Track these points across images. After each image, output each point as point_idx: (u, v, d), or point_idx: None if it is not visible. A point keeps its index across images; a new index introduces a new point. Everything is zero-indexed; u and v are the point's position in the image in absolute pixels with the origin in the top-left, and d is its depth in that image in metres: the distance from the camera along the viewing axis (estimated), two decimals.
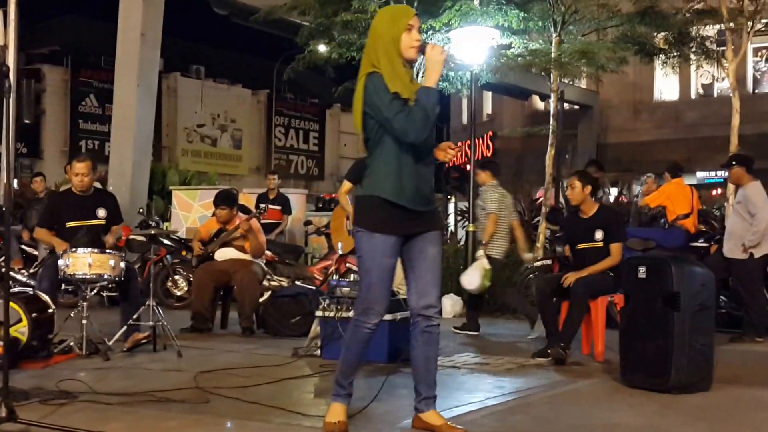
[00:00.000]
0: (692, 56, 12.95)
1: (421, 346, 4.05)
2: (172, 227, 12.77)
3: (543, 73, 12.25)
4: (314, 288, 8.37)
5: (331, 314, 6.34)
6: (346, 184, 7.46)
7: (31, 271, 9.13)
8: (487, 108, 31.44)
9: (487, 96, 29.87)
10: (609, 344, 6.40)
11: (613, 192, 19.03)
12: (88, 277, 6.41)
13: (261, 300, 8.25)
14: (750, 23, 11.85)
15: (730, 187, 10.49)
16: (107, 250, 6.56)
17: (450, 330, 8.43)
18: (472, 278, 8.15)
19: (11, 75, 4.54)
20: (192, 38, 36.24)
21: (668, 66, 13.32)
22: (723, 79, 21.05)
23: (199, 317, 7.96)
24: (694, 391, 5.25)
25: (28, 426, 3.99)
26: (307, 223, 13.10)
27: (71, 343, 6.28)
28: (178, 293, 10.47)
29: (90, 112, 31.68)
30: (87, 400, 4.73)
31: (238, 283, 7.92)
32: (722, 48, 12.77)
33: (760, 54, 24.54)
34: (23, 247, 10.97)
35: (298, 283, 9.07)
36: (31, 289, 6.76)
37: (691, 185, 10.61)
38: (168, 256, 10.50)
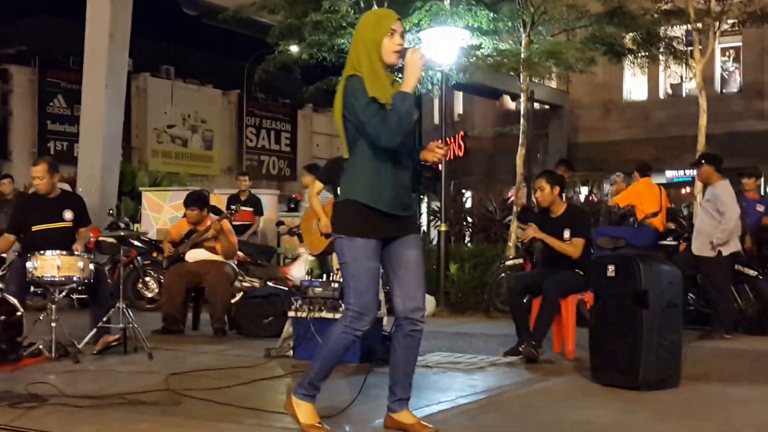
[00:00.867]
0: (660, 56, 13.07)
1: (403, 348, 4.06)
2: (142, 229, 12.67)
3: (513, 73, 12.31)
4: (286, 289, 8.35)
5: (304, 315, 6.34)
6: (318, 185, 7.46)
7: None
8: (458, 108, 31.55)
9: (458, 96, 29.98)
10: (579, 342, 6.43)
11: (584, 191, 19.16)
12: (56, 279, 6.35)
13: (233, 301, 8.21)
14: (717, 24, 11.98)
15: (699, 185, 10.61)
16: (76, 252, 6.50)
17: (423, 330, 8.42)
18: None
19: None
20: (161, 38, 35.92)
21: (636, 66, 13.45)
22: (691, 79, 21.29)
23: (170, 319, 7.92)
24: (663, 387, 5.29)
25: None
26: (279, 223, 13.07)
27: (40, 346, 6.22)
28: (149, 295, 10.41)
29: (58, 113, 31.37)
30: (57, 403, 4.69)
31: (210, 284, 7.88)
32: (690, 48, 12.91)
33: (727, 54, 24.85)
34: None
35: (270, 283, 9.04)
36: None
37: (659, 184, 10.71)
38: (138, 258, 10.43)
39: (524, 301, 6.91)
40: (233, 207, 8.91)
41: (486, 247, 11.95)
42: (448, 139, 15.24)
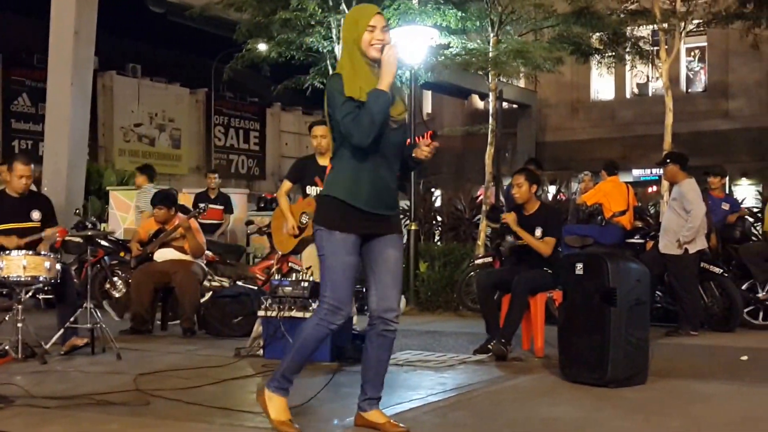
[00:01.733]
0: (627, 56, 13.19)
1: (375, 348, 4.06)
2: (109, 228, 12.54)
3: (481, 73, 12.35)
4: (256, 288, 8.32)
5: (273, 314, 6.31)
6: (286, 184, 7.42)
7: None
8: (427, 107, 31.63)
9: (427, 95, 30.06)
10: (549, 340, 6.47)
11: (552, 190, 19.28)
12: (22, 279, 6.26)
13: (202, 300, 8.17)
14: (682, 24, 12.11)
15: (665, 184, 10.72)
16: (42, 252, 6.42)
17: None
18: None
19: None
20: (128, 36, 35.47)
21: (603, 66, 13.56)
22: (657, 78, 21.53)
23: (139, 319, 7.86)
24: (630, 384, 5.34)
25: None
26: (249, 222, 12.99)
27: (6, 347, 6.15)
28: (117, 295, 10.29)
29: (23, 112, 30.86)
30: (24, 404, 4.65)
31: (178, 283, 7.83)
32: (655, 48, 13.04)
33: (692, 54, 25.16)
34: None
35: (239, 283, 9.00)
36: None
37: (626, 183, 10.82)
38: (106, 258, 10.31)
39: (494, 298, 6.95)
40: (201, 206, 8.85)
41: (455, 245, 11.98)
42: (416, 138, 15.27)
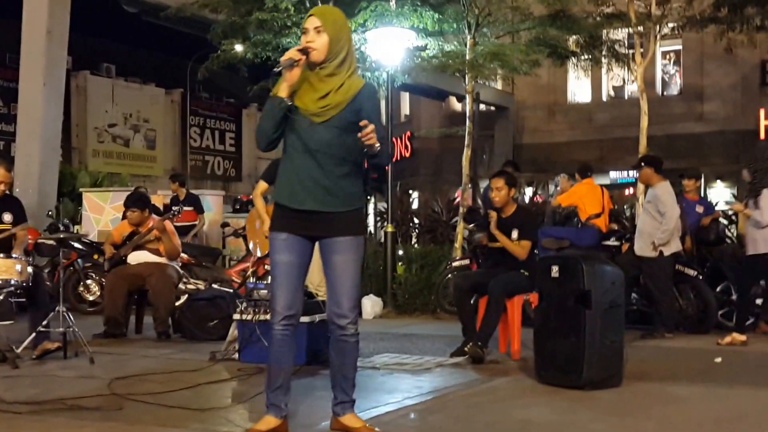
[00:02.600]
0: (603, 59, 13.26)
1: (336, 354, 4.02)
2: (82, 230, 12.43)
3: (458, 75, 12.36)
4: (232, 291, 8.26)
5: (249, 317, 6.27)
6: (262, 185, 7.39)
7: None
8: (405, 109, 31.64)
9: (405, 97, 30.07)
10: (525, 342, 6.49)
11: (528, 192, 19.35)
12: None
13: (177, 304, 8.11)
14: (657, 27, 12.19)
15: (641, 186, 10.77)
16: (14, 255, 6.34)
17: (370, 331, 8.47)
18: None
19: None
20: (101, 36, 35.11)
21: (580, 69, 13.62)
22: (633, 81, 21.65)
23: (113, 322, 7.77)
24: (605, 387, 5.35)
25: None
26: (224, 224, 12.90)
27: None
28: (91, 298, 10.22)
29: None
30: None
31: (153, 286, 7.77)
32: (631, 51, 13.12)
33: (668, 57, 25.33)
34: None
35: (215, 286, 8.94)
36: None
37: (602, 185, 10.85)
38: (79, 260, 10.23)
39: (471, 300, 6.95)
40: (175, 208, 8.79)
41: (433, 248, 11.97)
42: (393, 138, 15.25)
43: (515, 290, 6.70)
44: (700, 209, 9.41)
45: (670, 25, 12.85)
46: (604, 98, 26.18)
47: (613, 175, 24.71)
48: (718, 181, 23.89)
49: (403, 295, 10.67)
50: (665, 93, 25.55)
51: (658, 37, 12.40)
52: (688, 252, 8.76)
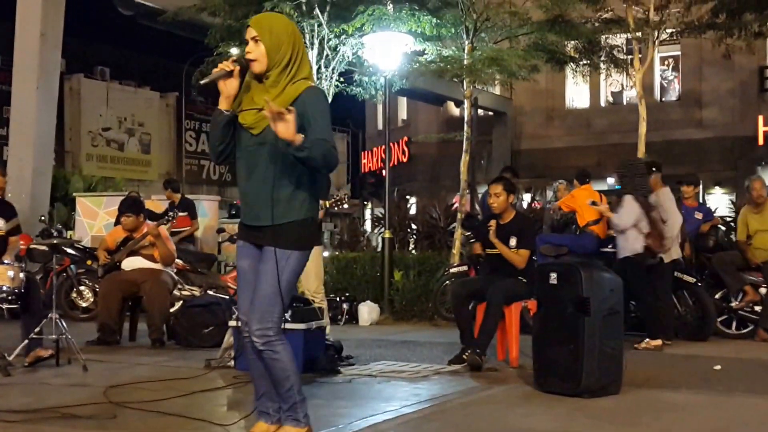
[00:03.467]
0: (601, 65, 13.24)
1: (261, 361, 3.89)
2: (76, 236, 12.34)
3: (456, 80, 12.33)
4: (227, 297, 8.21)
5: None
6: None
7: None
8: (402, 113, 31.59)
9: (402, 101, 30.02)
10: (524, 350, 6.46)
11: (527, 198, 19.29)
12: None
13: (172, 310, 8.05)
14: (656, 33, 12.18)
15: None
16: (6, 261, 6.27)
17: (367, 338, 8.43)
18: None
19: None
20: (96, 38, 35.01)
21: (579, 74, 13.59)
22: (631, 87, 21.61)
23: (106, 329, 7.72)
24: (604, 394, 5.33)
25: None
26: (220, 230, 12.83)
27: None
28: (84, 304, 10.15)
29: None
30: None
31: (147, 293, 7.71)
32: (630, 57, 13.09)
33: (666, 63, 25.30)
34: None
35: (210, 292, 8.89)
36: None
37: (600, 191, 10.79)
38: (72, 266, 10.16)
39: (469, 307, 6.90)
40: (171, 213, 8.72)
41: (430, 254, 11.92)
42: (392, 145, 15.21)
43: (513, 297, 6.67)
44: (698, 216, 9.38)
45: (669, 30, 12.84)
46: (603, 104, 26.15)
47: (611, 181, 24.64)
48: (717, 187, 23.84)
49: (401, 301, 10.63)
50: (664, 99, 25.51)
51: (657, 42, 12.39)
52: (687, 259, 8.73)
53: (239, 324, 3.96)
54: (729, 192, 22.52)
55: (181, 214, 10.81)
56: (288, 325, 5.64)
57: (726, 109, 24.19)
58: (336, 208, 8.02)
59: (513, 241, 6.76)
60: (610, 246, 9.30)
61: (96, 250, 8.75)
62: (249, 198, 3.85)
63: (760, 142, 22.02)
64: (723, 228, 10.54)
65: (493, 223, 6.87)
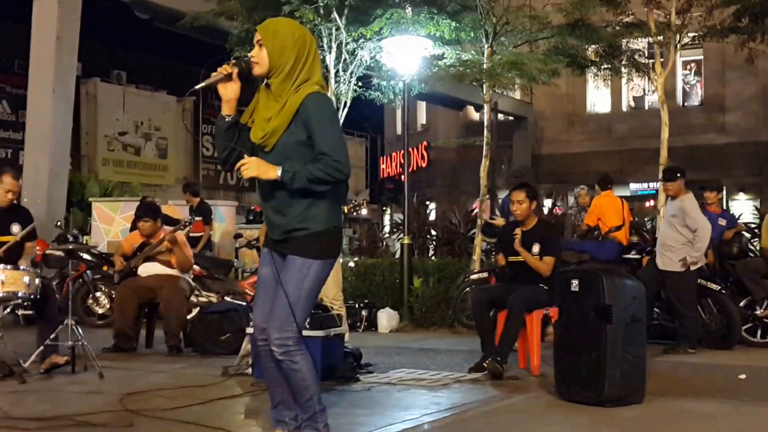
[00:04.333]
0: (622, 69, 13.11)
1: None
2: (92, 241, 12.33)
3: (476, 84, 12.25)
4: (245, 304, 8.14)
5: None
6: None
7: None
8: (422, 118, 31.58)
9: (422, 106, 30.00)
10: (545, 358, 6.40)
11: (548, 203, 19.16)
12: (0, 295, 6.09)
13: (188, 317, 7.99)
14: (677, 37, 12.04)
15: (662, 198, 10.59)
16: (21, 267, 6.24)
17: (386, 345, 8.35)
18: None
19: None
20: (112, 42, 35.05)
21: (599, 78, 13.47)
22: (653, 92, 21.44)
23: (122, 336, 7.68)
24: (627, 403, 5.26)
25: None
26: (238, 236, 12.77)
27: None
28: (100, 311, 10.12)
29: (2, 119, 30.44)
30: (1, 425, 4.53)
31: (164, 299, 7.66)
32: (651, 61, 12.96)
33: (688, 67, 25.12)
34: None
35: (227, 298, 8.84)
36: None
37: (622, 197, 10.70)
38: (88, 272, 10.13)
39: (490, 315, 6.82)
40: (187, 218, 8.67)
41: (450, 260, 11.83)
42: (410, 149, 15.14)
43: (535, 304, 6.60)
44: (722, 222, 9.25)
45: (691, 34, 12.69)
46: (624, 108, 25.99)
47: (633, 186, 24.47)
48: (741, 193, 23.65)
49: (420, 308, 10.54)
50: (686, 103, 25.32)
51: (678, 46, 12.24)
52: (710, 266, 8.60)
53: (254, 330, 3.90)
54: (753, 198, 22.32)
55: (197, 218, 10.77)
56: (306, 333, 5.56)
57: (749, 114, 23.99)
58: (355, 214, 7.96)
59: (536, 248, 6.70)
60: (632, 252, 9.20)
61: (112, 256, 8.73)
62: (270, 209, 3.81)
63: None
64: (747, 234, 10.40)
65: (518, 231, 6.79)
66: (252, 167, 3.64)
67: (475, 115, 27.13)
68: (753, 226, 11.18)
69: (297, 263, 3.73)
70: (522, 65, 11.34)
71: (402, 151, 14.02)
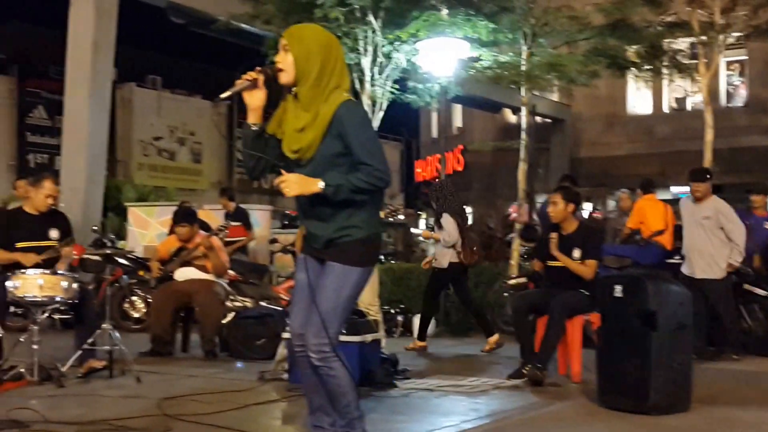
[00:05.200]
0: (664, 70, 12.91)
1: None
2: (128, 246, 12.35)
3: (513, 86, 12.13)
4: (280, 309, 8.11)
5: None
6: None
7: None
8: (458, 121, 31.39)
9: (457, 109, 29.81)
10: (586, 364, 6.30)
11: (587, 207, 18.92)
12: (38, 299, 6.12)
13: (224, 322, 7.97)
14: (721, 37, 11.81)
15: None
16: (59, 271, 6.25)
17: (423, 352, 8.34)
18: None
19: None
20: (148, 47, 35.30)
21: (640, 80, 13.28)
22: (695, 93, 21.10)
23: (159, 340, 7.69)
24: (672, 412, 5.17)
25: None
26: (273, 240, 12.73)
27: (22, 370, 5.98)
28: (136, 315, 10.12)
29: (38, 124, 30.75)
30: (40, 429, 4.55)
31: (200, 304, 7.65)
32: (694, 61, 12.73)
33: (732, 68, 24.68)
34: None
35: (263, 303, 8.82)
36: None
37: (665, 200, 10.49)
38: (124, 276, 10.14)
39: (529, 320, 6.72)
40: (223, 223, 8.65)
41: (487, 265, 11.68)
42: (447, 153, 15.06)
43: (575, 310, 6.50)
44: None
45: (735, 34, 12.45)
46: (666, 110, 25.60)
47: (675, 189, 24.07)
48: None
49: (457, 314, 10.42)
50: (729, 105, 24.88)
51: (722, 46, 12.01)
52: (757, 271, 8.38)
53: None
54: None
55: (234, 224, 10.74)
56: (343, 338, 5.51)
57: None
58: (391, 218, 7.90)
59: (577, 253, 6.57)
60: (676, 257, 8.98)
61: (148, 260, 8.73)
62: (310, 221, 3.75)
63: None
64: None
65: (554, 235, 6.66)
66: (293, 185, 3.54)
67: (512, 118, 26.93)
68: None
69: (337, 270, 3.67)
70: (561, 67, 11.23)
71: (438, 155, 13.89)
